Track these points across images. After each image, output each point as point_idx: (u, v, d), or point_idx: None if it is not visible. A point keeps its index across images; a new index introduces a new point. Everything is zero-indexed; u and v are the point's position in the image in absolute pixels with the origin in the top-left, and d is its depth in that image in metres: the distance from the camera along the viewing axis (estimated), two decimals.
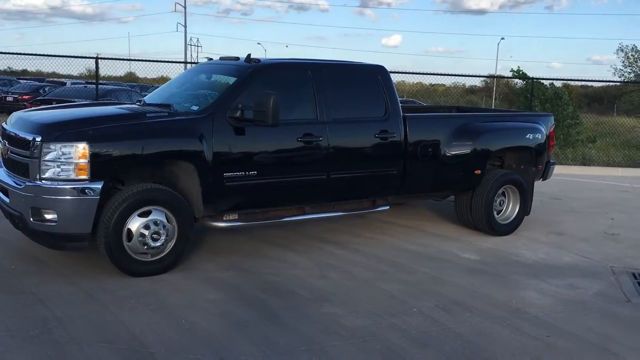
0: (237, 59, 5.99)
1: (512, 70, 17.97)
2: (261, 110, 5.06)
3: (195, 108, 5.36)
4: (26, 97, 21.67)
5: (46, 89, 23.72)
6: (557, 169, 12.99)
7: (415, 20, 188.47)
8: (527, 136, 7.13)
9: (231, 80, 5.57)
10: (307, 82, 5.73)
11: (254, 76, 5.50)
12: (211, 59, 6.65)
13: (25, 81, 29.62)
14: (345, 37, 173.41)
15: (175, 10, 58.43)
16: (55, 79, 34.24)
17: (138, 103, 6.17)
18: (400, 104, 6.29)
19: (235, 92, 5.33)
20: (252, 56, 5.79)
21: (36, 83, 27.73)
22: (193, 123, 5.08)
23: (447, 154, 6.49)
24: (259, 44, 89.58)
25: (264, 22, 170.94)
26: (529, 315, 4.57)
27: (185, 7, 57.56)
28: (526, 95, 16.94)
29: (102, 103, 7.48)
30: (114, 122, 5.01)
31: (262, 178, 5.36)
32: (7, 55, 18.60)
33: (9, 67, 39.17)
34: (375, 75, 6.25)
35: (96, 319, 4.10)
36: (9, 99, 22.62)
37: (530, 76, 16.82)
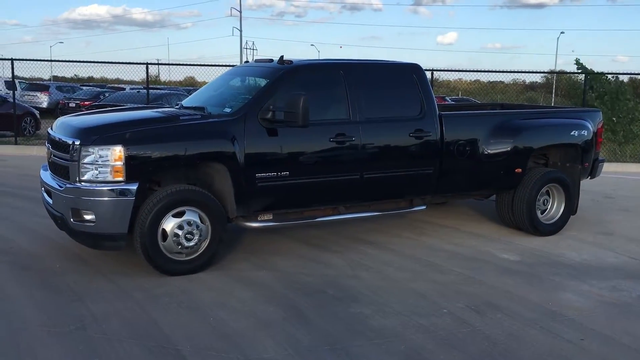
0: (271, 60, 6.06)
1: (576, 62, 17.31)
2: (291, 111, 5.11)
3: (228, 110, 5.46)
4: (87, 102, 22.53)
5: (105, 94, 24.61)
6: (614, 167, 12.60)
7: (471, 17, 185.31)
8: (572, 133, 6.89)
9: (263, 82, 5.64)
10: (340, 82, 5.73)
11: (286, 77, 5.55)
12: (247, 62, 6.75)
13: (87, 88, 30.85)
14: (400, 36, 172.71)
15: (231, 15, 59.87)
16: (116, 85, 35.53)
17: (176, 106, 6.33)
18: (436, 103, 6.20)
19: (267, 93, 5.39)
20: (285, 57, 5.84)
21: (97, 89, 28.83)
22: (225, 125, 5.17)
23: (486, 153, 6.35)
24: (312, 45, 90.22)
25: (318, 24, 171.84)
26: (564, 318, 4.43)
27: (240, 12, 58.68)
28: (582, 90, 16.33)
29: (142, 107, 7.71)
30: (149, 126, 5.16)
31: (294, 178, 5.40)
32: (74, 63, 19.52)
33: (75, 75, 41.02)
34: (411, 74, 6.19)
35: (129, 316, 4.24)
36: (72, 105, 23.54)
37: (588, 70, 16.19)
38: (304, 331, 4.07)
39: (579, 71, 17.38)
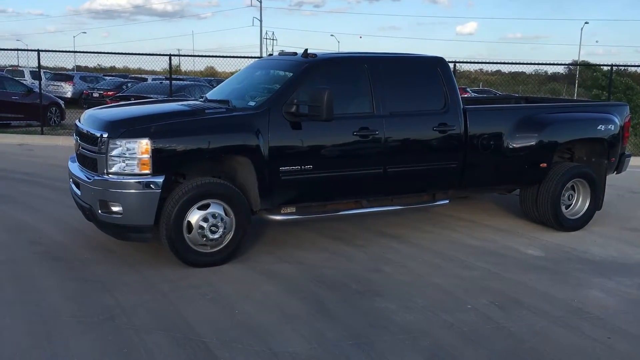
0: (295, 54, 6.07)
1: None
2: (316, 104, 5.11)
3: (252, 103, 5.48)
4: (110, 93, 22.75)
5: (128, 85, 24.80)
6: (638, 161, 12.34)
7: (492, 6, 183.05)
8: (599, 127, 6.80)
9: (288, 75, 5.65)
10: (363, 76, 5.72)
11: (310, 71, 5.55)
12: (271, 55, 6.76)
13: (110, 78, 31.11)
14: (419, 26, 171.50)
15: (252, 5, 59.58)
16: (139, 75, 35.78)
17: (201, 99, 6.37)
18: (460, 96, 6.16)
19: (291, 87, 5.40)
20: (309, 51, 5.84)
21: (120, 79, 29.05)
22: (249, 118, 5.20)
23: (510, 147, 6.30)
24: (332, 35, 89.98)
25: (336, 14, 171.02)
26: (590, 316, 4.40)
27: (260, 2, 58.59)
28: (600, 84, 16.11)
29: (168, 100, 7.77)
30: (175, 119, 5.21)
31: (318, 172, 5.41)
32: (96, 53, 19.77)
33: (98, 65, 41.38)
34: (435, 68, 6.15)
35: (156, 308, 4.30)
36: (95, 95, 23.80)
37: (609, 63, 15.92)
38: (329, 325, 4.09)
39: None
